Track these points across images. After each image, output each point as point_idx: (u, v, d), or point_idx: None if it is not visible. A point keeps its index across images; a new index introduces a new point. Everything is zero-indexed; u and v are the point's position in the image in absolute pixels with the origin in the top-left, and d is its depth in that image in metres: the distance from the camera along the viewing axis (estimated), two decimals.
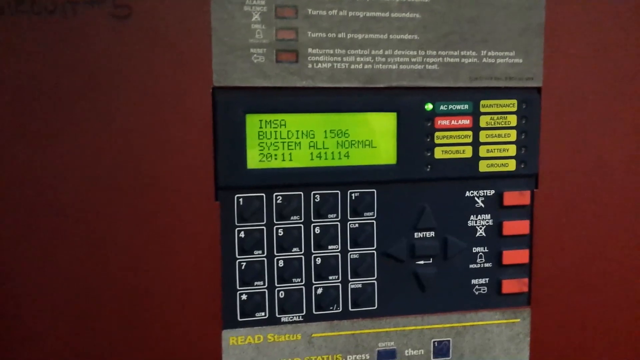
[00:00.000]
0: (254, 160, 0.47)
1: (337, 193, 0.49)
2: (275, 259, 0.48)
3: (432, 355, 0.52)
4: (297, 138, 0.47)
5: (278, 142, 0.47)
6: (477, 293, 0.52)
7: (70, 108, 0.43)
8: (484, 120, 0.50)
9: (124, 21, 0.43)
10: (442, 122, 0.49)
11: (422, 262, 0.51)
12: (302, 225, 0.48)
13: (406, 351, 0.51)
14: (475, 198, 0.51)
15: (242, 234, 0.47)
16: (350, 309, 0.50)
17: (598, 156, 0.52)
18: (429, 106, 0.49)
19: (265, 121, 0.47)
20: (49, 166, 0.43)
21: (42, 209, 0.43)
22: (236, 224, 0.47)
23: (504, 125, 0.50)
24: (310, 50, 0.46)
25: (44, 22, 0.42)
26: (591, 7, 0.50)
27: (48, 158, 0.43)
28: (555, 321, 0.53)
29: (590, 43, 0.51)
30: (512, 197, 0.51)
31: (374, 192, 0.49)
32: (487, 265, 0.52)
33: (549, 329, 0.53)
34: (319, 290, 0.49)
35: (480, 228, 0.52)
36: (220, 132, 0.45)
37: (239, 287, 0.48)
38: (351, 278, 0.50)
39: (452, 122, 0.49)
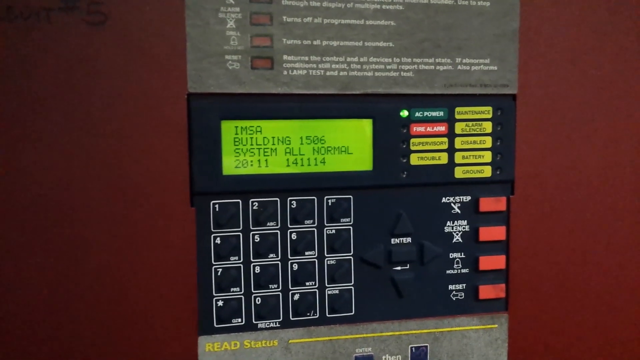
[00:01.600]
0: (229, 166, 0.47)
1: (314, 199, 0.49)
2: (252, 265, 0.48)
3: None
4: (273, 144, 0.48)
5: (254, 149, 0.47)
6: (454, 299, 0.52)
7: (45, 114, 0.43)
8: (459, 127, 0.50)
9: (99, 27, 0.43)
10: (417, 128, 0.49)
11: (399, 267, 0.51)
12: (278, 231, 0.49)
13: (384, 357, 0.51)
14: (452, 204, 0.51)
15: (218, 240, 0.47)
16: (327, 314, 0.50)
17: (573, 162, 0.52)
18: (404, 113, 0.49)
19: (241, 127, 0.47)
20: (23, 170, 0.43)
21: (14, 212, 0.43)
22: (212, 230, 0.47)
23: (479, 132, 0.51)
24: (285, 57, 0.46)
25: (19, 28, 0.42)
26: (566, 13, 0.51)
27: (22, 163, 0.43)
28: (533, 326, 0.54)
29: (565, 49, 0.51)
30: (488, 203, 0.52)
31: (350, 198, 0.49)
32: (464, 270, 0.52)
33: (526, 334, 0.53)
34: (296, 296, 0.49)
35: (457, 234, 0.52)
36: (196, 138, 0.46)
37: (215, 293, 0.48)
38: (328, 284, 0.50)
39: (428, 129, 0.50)
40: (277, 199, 0.48)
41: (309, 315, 0.50)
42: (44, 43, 0.43)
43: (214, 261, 0.48)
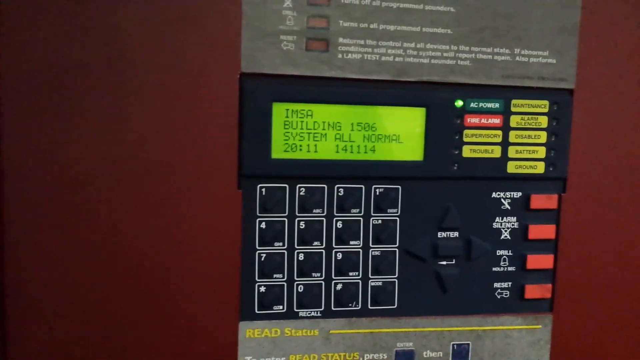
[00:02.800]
0: (278, 149, 0.46)
1: (362, 187, 0.48)
2: (296, 252, 0.47)
3: (450, 357, 0.50)
4: (324, 129, 0.46)
5: (304, 133, 0.46)
6: (499, 297, 0.51)
7: (95, 87, 0.42)
8: (514, 120, 0.49)
9: (154, 1, 0.42)
10: (471, 119, 0.48)
11: (444, 262, 0.50)
12: (324, 218, 0.47)
13: (424, 353, 0.50)
14: (502, 199, 0.50)
15: (263, 225, 0.46)
16: (369, 306, 0.49)
17: (629, 162, 0.51)
18: (459, 103, 0.48)
19: (292, 110, 0.46)
20: (70, 147, 0.42)
21: (61, 191, 0.42)
22: (258, 214, 0.46)
23: (534, 126, 0.49)
24: (341, 39, 0.45)
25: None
26: (627, 9, 0.49)
27: (70, 138, 0.42)
28: (577, 329, 0.52)
29: (625, 45, 0.49)
30: (539, 200, 0.50)
31: (398, 188, 0.48)
32: (510, 268, 0.51)
33: (570, 336, 0.52)
34: (339, 286, 0.48)
35: (506, 230, 0.50)
36: (246, 119, 0.44)
37: (258, 278, 0.47)
38: (372, 275, 0.49)
39: (482, 121, 0.48)
40: (325, 185, 0.47)
41: (351, 306, 0.49)
42: (95, 12, 0.42)
43: (258, 246, 0.47)
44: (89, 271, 0.44)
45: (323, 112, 0.46)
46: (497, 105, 0.48)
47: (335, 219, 0.48)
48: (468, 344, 0.51)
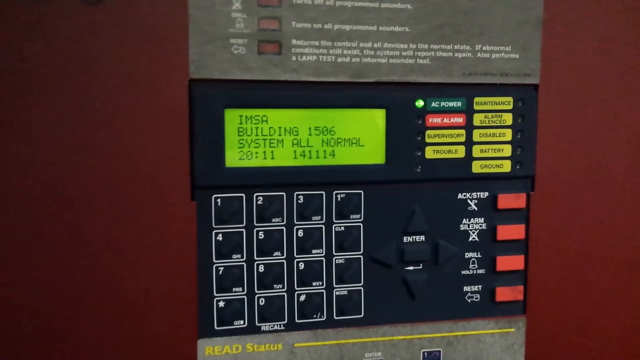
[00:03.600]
0: (233, 158, 0.44)
1: (322, 194, 0.46)
2: (256, 263, 0.45)
3: None
4: (280, 135, 0.45)
5: (259, 139, 0.44)
6: (469, 301, 0.49)
7: (36, 101, 0.40)
8: (477, 119, 0.47)
9: (95, 7, 0.40)
10: (433, 119, 0.46)
11: (411, 267, 0.48)
12: (284, 227, 0.46)
13: None
14: (468, 200, 0.48)
15: (219, 237, 0.45)
16: (335, 317, 0.47)
17: (598, 157, 0.49)
18: (420, 103, 0.46)
19: (246, 117, 0.44)
20: (10, 163, 0.40)
21: (6, 205, 0.40)
22: (214, 225, 0.44)
23: (498, 124, 0.48)
24: (294, 41, 0.43)
25: (6, 6, 0.39)
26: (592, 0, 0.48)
27: (9, 155, 0.40)
28: (551, 331, 0.51)
29: (590, 37, 0.48)
30: (507, 200, 0.49)
31: (361, 193, 0.47)
32: (480, 271, 0.49)
33: (544, 339, 0.51)
34: (302, 297, 0.47)
35: (473, 232, 0.49)
36: (197, 127, 0.43)
37: (216, 293, 0.45)
38: (336, 284, 0.47)
39: (445, 120, 0.47)
40: (283, 193, 0.45)
41: (316, 318, 0.47)
42: (34, 23, 0.39)
43: (215, 259, 0.45)
44: (36, 289, 0.41)
45: (279, 117, 0.44)
46: (459, 104, 0.47)
47: (295, 227, 0.46)
48: (439, 351, 0.49)
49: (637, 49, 0.49)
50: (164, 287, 0.43)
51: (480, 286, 0.49)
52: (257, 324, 0.46)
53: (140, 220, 0.42)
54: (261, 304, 0.46)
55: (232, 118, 0.43)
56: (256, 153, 0.44)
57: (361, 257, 0.47)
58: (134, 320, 0.43)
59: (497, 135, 0.48)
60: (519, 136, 0.48)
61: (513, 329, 0.50)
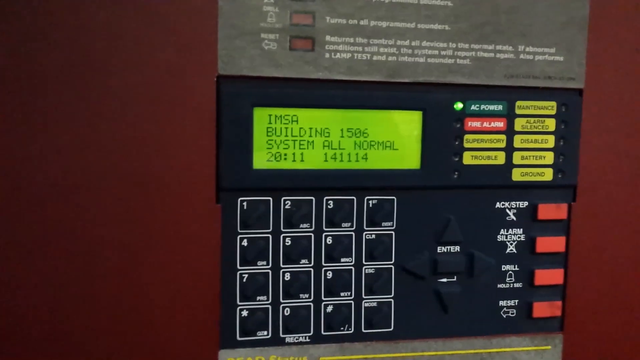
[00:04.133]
0: (261, 159, 0.42)
1: (353, 199, 0.44)
2: (281, 271, 0.43)
3: None
4: (310, 136, 0.42)
5: (289, 140, 0.42)
6: (504, 316, 0.47)
7: (55, 96, 0.38)
8: (519, 124, 0.45)
9: None
10: (472, 123, 0.44)
11: (445, 279, 0.46)
12: (312, 234, 0.43)
13: None
14: (507, 210, 0.46)
15: (244, 242, 0.42)
16: (363, 330, 0.45)
17: None
18: (458, 105, 0.44)
19: (275, 116, 0.42)
20: (27, 162, 0.38)
21: (18, 210, 0.38)
22: (239, 230, 0.42)
23: (541, 130, 0.45)
24: (328, 37, 0.41)
25: None
26: None
27: (27, 153, 0.38)
28: (589, 349, 0.48)
29: (638, 41, 0.45)
30: (548, 210, 0.46)
31: (393, 199, 0.44)
32: (517, 285, 0.47)
33: (582, 358, 0.48)
34: (329, 308, 0.44)
35: (511, 244, 0.46)
36: (225, 126, 0.40)
37: (240, 302, 0.43)
38: (365, 295, 0.45)
39: (484, 124, 0.44)
40: (312, 198, 0.43)
41: (343, 330, 0.45)
42: (54, 14, 0.38)
43: (240, 266, 0.42)
44: (53, 294, 0.39)
45: (309, 118, 0.42)
46: (500, 107, 0.44)
47: (324, 234, 0.43)
48: None
49: None
50: (185, 295, 0.41)
51: (516, 301, 0.47)
52: (281, 335, 0.44)
53: (161, 222, 0.40)
54: (286, 314, 0.43)
55: (261, 117, 0.41)
56: (285, 155, 0.42)
57: (392, 267, 0.45)
58: (152, 328, 0.41)
59: (539, 141, 0.45)
60: (561, 143, 0.46)
61: (549, 347, 0.48)
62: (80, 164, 0.39)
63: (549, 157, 0.45)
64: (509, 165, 0.45)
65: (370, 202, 0.44)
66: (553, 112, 0.45)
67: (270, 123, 0.42)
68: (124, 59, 0.39)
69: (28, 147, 0.38)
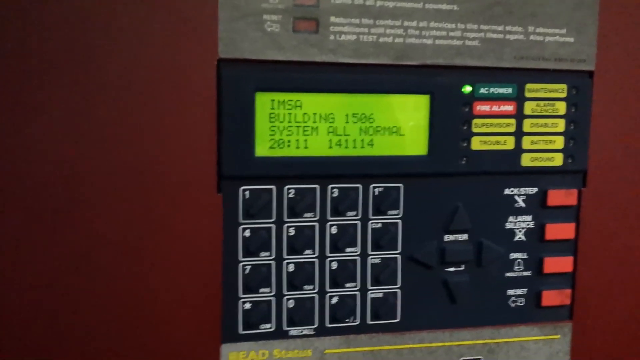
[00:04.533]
0: (263, 146, 0.40)
1: (358, 187, 0.42)
2: (285, 262, 0.42)
3: None
4: (315, 122, 0.41)
5: (292, 126, 0.40)
6: (513, 305, 0.46)
7: (51, 81, 0.36)
8: (529, 107, 0.43)
9: None
10: (481, 107, 0.43)
11: (453, 269, 0.44)
12: (316, 223, 0.42)
13: None
14: (516, 196, 0.45)
15: (247, 233, 0.41)
16: (369, 321, 0.44)
17: None
18: (467, 89, 0.42)
19: (278, 101, 0.40)
20: (28, 146, 0.36)
21: (14, 201, 0.36)
22: (241, 220, 0.41)
23: (551, 114, 0.44)
24: (332, 19, 0.40)
25: None
26: None
27: (28, 138, 0.36)
28: (599, 338, 0.47)
29: None
30: (557, 196, 0.45)
31: (400, 187, 0.43)
32: (525, 273, 0.46)
33: (592, 347, 0.47)
34: (334, 300, 0.43)
35: (520, 231, 0.45)
36: (226, 112, 0.39)
37: (242, 294, 0.41)
38: (371, 286, 0.43)
39: (493, 108, 0.43)
40: (317, 186, 0.41)
41: (348, 322, 0.43)
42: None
43: (242, 257, 0.41)
44: (51, 288, 0.38)
45: (314, 103, 0.41)
46: (509, 90, 0.43)
47: (329, 223, 0.42)
48: (480, 359, 0.45)
49: None
50: (186, 287, 0.39)
51: (525, 289, 0.46)
52: (285, 328, 0.42)
53: (161, 214, 0.39)
54: (290, 306, 0.42)
55: (264, 102, 0.40)
56: (288, 141, 0.40)
57: (399, 256, 0.43)
58: (152, 322, 0.39)
59: (549, 125, 0.44)
60: (572, 127, 0.44)
61: (558, 336, 0.47)
62: (78, 153, 0.37)
63: (559, 142, 0.44)
64: (519, 150, 0.44)
65: (376, 189, 0.42)
66: (564, 95, 0.44)
67: (273, 108, 0.40)
68: (121, 44, 0.37)
69: (24, 137, 0.36)
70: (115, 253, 0.38)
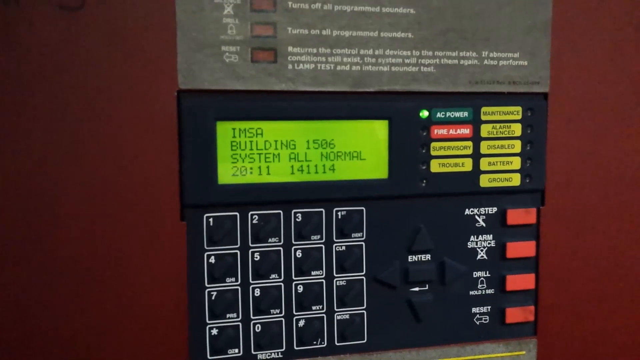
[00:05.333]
0: (226, 174, 0.41)
1: (322, 211, 0.43)
2: (251, 287, 0.42)
3: None
4: (276, 149, 0.42)
5: (254, 154, 0.41)
6: (478, 323, 0.47)
7: (13, 113, 0.37)
8: (485, 130, 0.45)
9: (76, 12, 0.37)
10: (439, 131, 0.44)
11: (417, 288, 0.45)
12: (281, 248, 0.43)
13: None
14: (476, 216, 0.46)
15: (212, 259, 0.41)
16: (336, 343, 0.44)
17: (611, 168, 0.47)
18: (424, 113, 0.43)
19: (239, 129, 0.41)
20: None
21: None
22: (205, 247, 0.41)
23: (507, 135, 0.45)
24: (290, 48, 0.41)
25: None
26: (603, 2, 0.45)
27: None
28: (563, 353, 0.48)
29: (602, 43, 0.46)
30: (517, 216, 0.46)
31: (362, 210, 0.44)
32: (489, 291, 0.47)
33: None
34: (301, 323, 0.43)
35: (482, 250, 0.46)
36: (187, 141, 0.40)
37: (209, 320, 0.42)
38: (337, 308, 0.44)
39: (450, 132, 0.44)
40: (280, 211, 0.42)
41: (316, 344, 0.44)
42: (10, 30, 0.36)
43: (208, 283, 0.41)
44: (17, 318, 0.38)
45: (274, 130, 0.41)
46: (465, 114, 0.44)
47: (293, 247, 0.43)
48: None
49: None
50: (152, 314, 0.40)
51: (489, 307, 0.47)
52: (253, 352, 0.43)
53: (126, 243, 0.39)
54: (257, 330, 0.43)
55: (225, 131, 0.41)
56: (250, 168, 0.41)
57: (364, 278, 0.44)
58: (119, 350, 0.40)
59: (506, 147, 0.45)
60: (528, 148, 0.45)
61: (524, 352, 0.47)
62: (41, 183, 0.37)
63: (516, 162, 0.45)
64: (477, 171, 0.45)
65: (339, 213, 0.43)
66: (519, 117, 0.45)
67: (234, 137, 0.41)
68: (83, 76, 0.38)
69: None
70: (80, 281, 0.39)
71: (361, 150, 0.43)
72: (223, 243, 0.41)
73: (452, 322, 0.46)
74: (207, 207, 0.41)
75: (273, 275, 0.43)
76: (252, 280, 0.42)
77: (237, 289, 0.42)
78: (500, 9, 0.44)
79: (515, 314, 0.47)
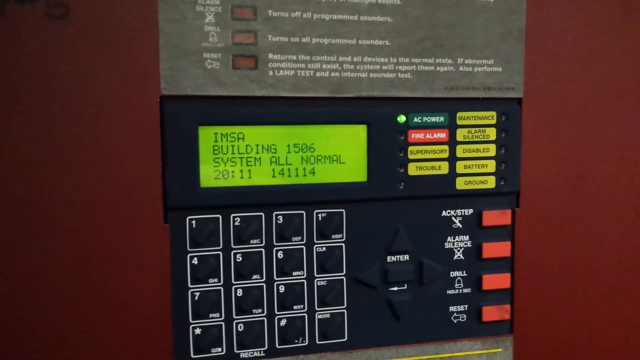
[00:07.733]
0: (208, 177, 0.42)
1: (302, 214, 0.44)
2: (233, 287, 0.43)
3: None
4: (257, 153, 0.43)
5: (235, 158, 0.42)
6: (455, 321, 0.48)
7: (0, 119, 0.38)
8: (461, 134, 0.46)
9: (60, 21, 0.38)
10: (416, 135, 0.45)
11: (396, 288, 0.46)
12: (263, 249, 0.44)
13: None
14: (453, 218, 0.47)
15: (195, 261, 0.42)
16: (317, 341, 0.45)
17: (584, 172, 0.48)
18: (401, 118, 0.45)
19: (221, 134, 0.42)
20: None
21: None
22: (188, 249, 0.42)
23: (482, 139, 0.46)
24: (271, 55, 0.42)
25: None
26: (576, 11, 0.47)
27: None
28: (539, 350, 0.50)
29: (575, 49, 0.47)
30: (492, 217, 0.47)
31: (342, 212, 0.45)
32: (465, 290, 0.48)
33: (533, 358, 0.49)
34: (283, 322, 0.45)
35: (458, 250, 0.47)
36: (170, 146, 0.41)
37: (192, 320, 0.43)
38: (318, 307, 0.45)
39: (427, 136, 0.45)
40: (262, 213, 0.43)
41: (297, 343, 0.45)
42: None
43: (191, 284, 0.43)
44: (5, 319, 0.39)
45: (256, 134, 0.43)
46: (441, 119, 0.45)
47: (275, 249, 0.44)
48: None
49: (621, 60, 0.48)
50: (136, 315, 0.41)
51: (466, 306, 0.48)
52: (235, 351, 0.44)
53: (109, 245, 0.40)
54: (240, 330, 0.44)
55: (207, 136, 0.42)
56: (232, 172, 0.42)
57: (344, 278, 0.45)
58: (103, 350, 0.41)
59: (481, 150, 0.46)
60: (503, 151, 0.47)
61: (500, 349, 0.49)
62: (25, 187, 0.38)
63: (491, 166, 0.47)
64: (453, 174, 0.46)
65: (320, 215, 0.45)
66: (493, 121, 0.46)
67: (216, 141, 0.42)
68: (66, 82, 0.38)
69: None
70: (64, 283, 0.40)
71: (341, 154, 0.44)
72: (206, 245, 0.43)
73: (430, 320, 0.47)
74: (190, 210, 0.42)
75: (255, 276, 0.44)
76: (235, 280, 0.43)
77: (220, 289, 0.43)
78: (475, 17, 0.45)
79: (491, 313, 0.48)
